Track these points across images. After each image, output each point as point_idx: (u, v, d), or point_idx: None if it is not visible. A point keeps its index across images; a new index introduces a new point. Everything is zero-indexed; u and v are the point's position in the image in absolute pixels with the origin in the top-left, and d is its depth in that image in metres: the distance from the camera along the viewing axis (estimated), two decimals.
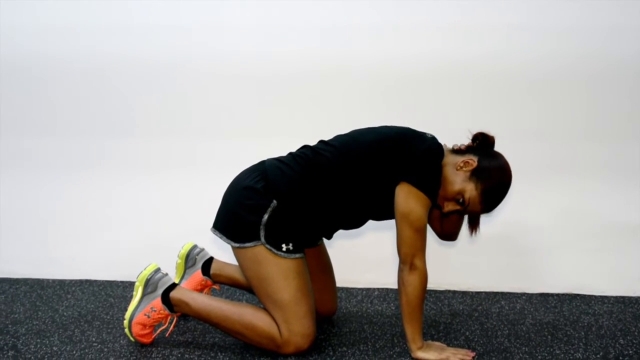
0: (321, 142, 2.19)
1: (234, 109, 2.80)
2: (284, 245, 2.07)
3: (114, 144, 2.85)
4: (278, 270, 2.06)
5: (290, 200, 2.07)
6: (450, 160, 2.07)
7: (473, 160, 2.04)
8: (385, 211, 2.12)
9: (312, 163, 2.09)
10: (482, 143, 2.10)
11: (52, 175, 2.89)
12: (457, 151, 2.10)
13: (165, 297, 2.17)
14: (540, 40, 2.64)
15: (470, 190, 2.03)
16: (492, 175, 2.03)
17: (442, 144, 2.14)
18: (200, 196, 2.79)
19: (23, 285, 2.76)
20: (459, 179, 2.04)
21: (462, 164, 2.04)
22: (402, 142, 2.06)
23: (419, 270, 2.04)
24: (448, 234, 2.29)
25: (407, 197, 2.02)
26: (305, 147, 2.19)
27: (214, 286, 2.46)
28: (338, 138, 2.18)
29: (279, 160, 2.15)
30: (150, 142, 2.84)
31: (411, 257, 2.03)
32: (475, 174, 2.03)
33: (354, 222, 2.20)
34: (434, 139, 2.12)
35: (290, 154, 2.18)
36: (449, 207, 2.07)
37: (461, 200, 2.04)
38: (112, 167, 2.87)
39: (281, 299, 2.06)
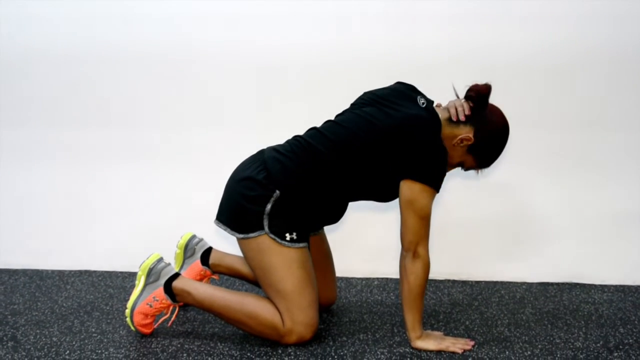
0: (314, 130, 2.15)
1: (233, 100, 2.79)
2: (287, 235, 2.06)
3: (112, 135, 2.84)
4: (282, 259, 2.05)
5: (293, 191, 2.06)
6: (447, 132, 2.07)
7: (469, 136, 2.06)
8: (390, 195, 2.13)
9: (309, 155, 2.07)
10: (477, 103, 2.08)
11: (51, 166, 2.88)
12: (453, 121, 2.08)
13: (168, 287, 2.16)
14: (547, 30, 2.63)
15: (469, 161, 2.12)
16: (488, 147, 2.10)
17: (436, 105, 2.13)
18: (199, 186, 2.79)
19: (22, 276, 2.76)
20: (457, 153, 2.09)
21: (459, 141, 2.06)
22: (401, 138, 2.02)
23: (422, 258, 2.04)
24: None
25: (411, 188, 2.02)
26: (298, 137, 2.15)
27: (213, 276, 2.46)
28: (331, 128, 2.12)
29: (277, 151, 2.12)
30: (149, 132, 2.83)
31: (415, 245, 2.03)
32: (472, 150, 2.09)
33: (358, 198, 2.20)
34: (428, 110, 2.08)
35: (288, 142, 2.15)
36: (450, 169, 2.16)
37: (462, 167, 2.15)
38: (111, 157, 2.86)
39: (284, 289, 2.05)
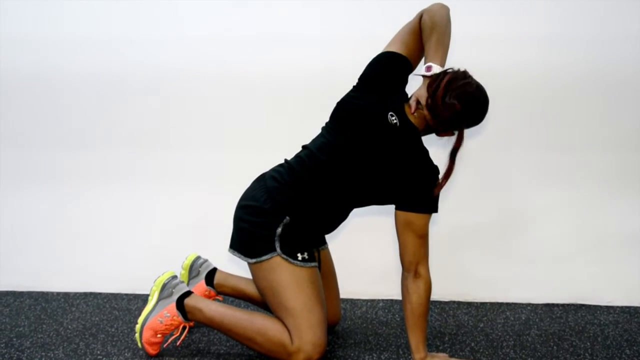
0: (298, 157, 2.15)
1: (234, 122, 2.80)
2: (299, 255, 2.08)
3: (118, 157, 2.86)
4: (293, 277, 2.07)
5: (299, 215, 2.08)
6: (430, 133, 2.08)
7: (452, 134, 2.04)
8: (392, 199, 2.11)
9: (300, 182, 2.09)
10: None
11: (56, 188, 2.89)
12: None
13: (180, 304, 2.18)
14: (549, 52, 2.65)
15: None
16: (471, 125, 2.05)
17: (412, 110, 2.04)
18: (204, 208, 2.80)
19: (27, 298, 2.76)
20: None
21: (441, 135, 2.07)
22: (385, 178, 2.04)
23: (423, 278, 2.04)
24: None
25: (407, 214, 2.03)
26: (289, 163, 2.15)
27: (217, 297, 2.46)
28: (311, 157, 2.11)
29: (276, 179, 2.12)
30: (154, 154, 2.85)
31: (415, 265, 2.04)
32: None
33: (363, 205, 2.21)
34: (402, 131, 2.03)
35: (283, 168, 2.15)
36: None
37: None
38: (116, 179, 2.87)
39: (294, 307, 2.06)
